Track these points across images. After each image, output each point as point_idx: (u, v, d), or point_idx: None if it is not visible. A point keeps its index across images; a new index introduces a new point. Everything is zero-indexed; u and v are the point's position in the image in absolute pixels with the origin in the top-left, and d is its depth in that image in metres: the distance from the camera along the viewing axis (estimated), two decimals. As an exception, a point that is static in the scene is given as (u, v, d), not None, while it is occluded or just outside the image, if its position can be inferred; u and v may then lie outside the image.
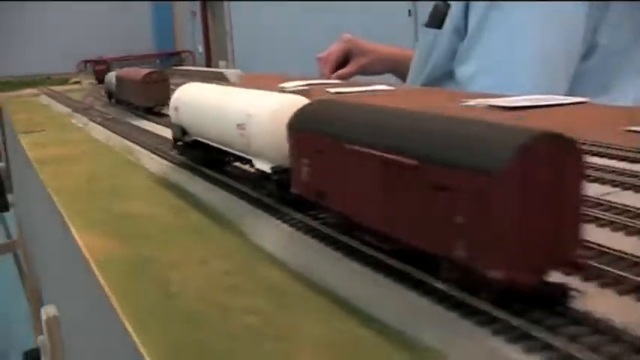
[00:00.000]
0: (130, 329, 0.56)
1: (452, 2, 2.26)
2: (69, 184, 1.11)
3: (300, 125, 0.69)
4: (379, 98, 2.04)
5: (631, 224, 0.66)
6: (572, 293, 0.48)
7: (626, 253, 0.57)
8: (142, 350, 0.52)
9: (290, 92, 2.18)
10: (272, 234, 0.73)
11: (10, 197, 2.60)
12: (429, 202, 0.50)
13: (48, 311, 1.28)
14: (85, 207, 0.96)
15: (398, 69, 2.78)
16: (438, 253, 0.51)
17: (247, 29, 7.63)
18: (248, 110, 0.81)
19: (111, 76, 2.07)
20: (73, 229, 0.86)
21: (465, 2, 2.20)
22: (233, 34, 8.28)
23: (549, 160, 0.45)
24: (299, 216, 0.73)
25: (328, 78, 2.78)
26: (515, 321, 0.46)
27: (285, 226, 0.74)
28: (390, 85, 2.32)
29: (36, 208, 1.53)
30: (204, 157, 1.02)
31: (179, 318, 0.56)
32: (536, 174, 0.44)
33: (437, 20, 2.29)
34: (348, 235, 0.64)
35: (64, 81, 3.29)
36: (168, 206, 0.91)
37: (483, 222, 0.46)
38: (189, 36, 9.72)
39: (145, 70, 1.76)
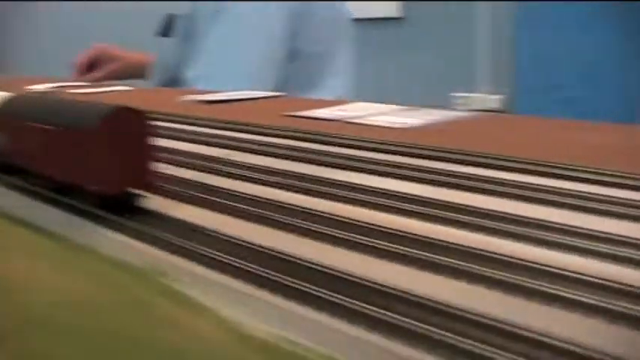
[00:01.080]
0: None
1: (180, 13, 2.62)
2: None
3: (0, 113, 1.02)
4: (113, 96, 2.36)
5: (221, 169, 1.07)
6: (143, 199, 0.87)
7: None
8: None
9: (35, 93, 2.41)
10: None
11: None
12: (67, 152, 0.86)
13: None
14: None
15: (147, 75, 3.09)
16: (76, 182, 0.86)
17: (26, 25, 7.42)
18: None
19: None
20: None
21: (190, 14, 2.58)
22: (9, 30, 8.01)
23: (124, 122, 0.82)
24: (11, 179, 1.06)
25: (77, 81, 3.03)
26: (113, 217, 0.83)
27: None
28: (130, 86, 2.64)
29: None
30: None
31: None
32: (115, 130, 0.82)
33: (166, 30, 2.64)
34: (33, 183, 0.98)
35: None
36: None
37: (91, 159, 0.82)
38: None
39: None
